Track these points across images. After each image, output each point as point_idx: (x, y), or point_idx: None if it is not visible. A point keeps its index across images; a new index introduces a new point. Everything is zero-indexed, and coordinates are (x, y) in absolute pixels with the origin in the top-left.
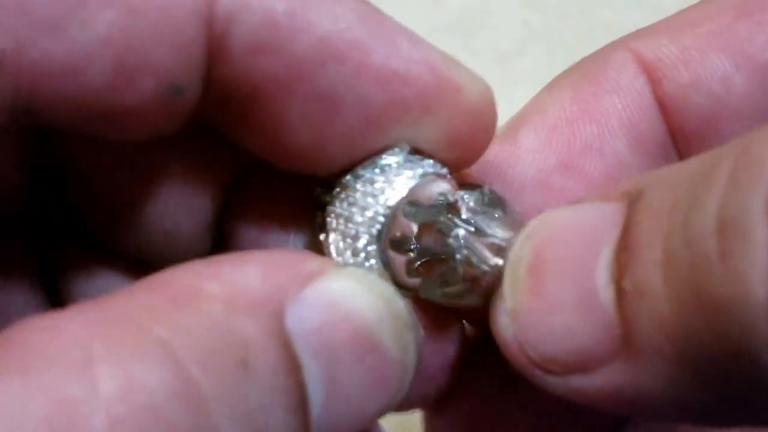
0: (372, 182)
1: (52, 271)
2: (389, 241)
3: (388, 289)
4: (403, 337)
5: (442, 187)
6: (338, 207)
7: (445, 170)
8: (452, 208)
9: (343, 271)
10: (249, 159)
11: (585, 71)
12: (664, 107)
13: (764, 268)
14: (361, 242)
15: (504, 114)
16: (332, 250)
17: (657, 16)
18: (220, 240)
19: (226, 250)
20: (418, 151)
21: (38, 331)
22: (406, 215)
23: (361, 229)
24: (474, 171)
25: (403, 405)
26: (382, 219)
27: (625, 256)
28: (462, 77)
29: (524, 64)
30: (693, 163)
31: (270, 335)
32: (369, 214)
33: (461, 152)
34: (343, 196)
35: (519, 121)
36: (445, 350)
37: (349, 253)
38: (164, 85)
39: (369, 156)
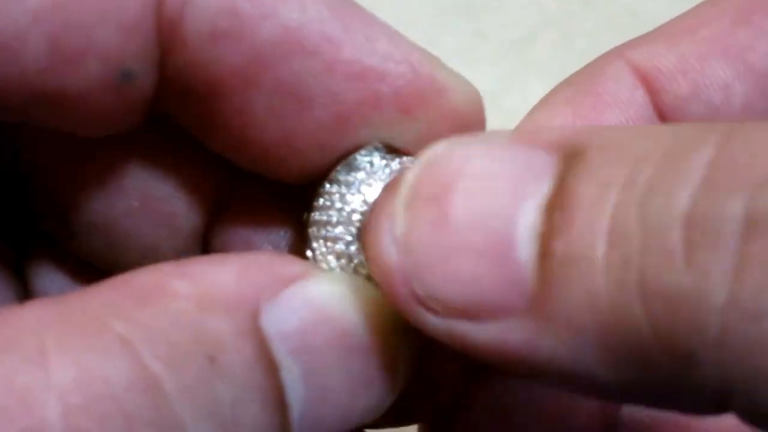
0: (348, 183)
1: (26, 276)
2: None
3: (374, 291)
4: (393, 340)
5: None
6: (317, 214)
7: None
8: None
9: (326, 275)
10: (233, 174)
11: (581, 85)
12: (663, 118)
13: (730, 276)
14: (341, 244)
15: (516, 106)
16: (318, 257)
17: (683, 4)
18: None
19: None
20: (393, 150)
21: None
22: None
23: (340, 230)
24: None
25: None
26: (359, 218)
27: (559, 216)
28: (447, 78)
29: (538, 52)
30: (660, 137)
31: (242, 334)
32: (346, 215)
33: None
34: (320, 202)
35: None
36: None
37: (331, 257)
38: (111, 69)
39: (343, 157)
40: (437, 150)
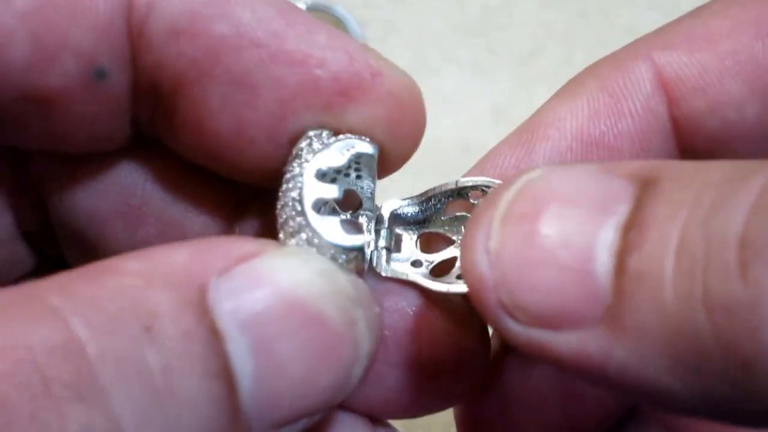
0: (291, 170)
1: None
2: (311, 207)
3: (327, 264)
4: (350, 311)
5: (345, 145)
6: (278, 203)
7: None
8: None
9: (279, 250)
10: (245, 192)
11: (603, 82)
12: (677, 127)
13: None
14: (292, 223)
15: (523, 115)
16: (282, 241)
17: (676, 17)
18: None
19: None
20: (337, 133)
21: None
22: (318, 177)
23: (288, 211)
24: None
25: (433, 405)
26: (296, 195)
27: (634, 234)
28: (381, 65)
29: (543, 65)
30: (721, 167)
31: (184, 306)
32: (292, 195)
33: (388, 139)
34: (279, 193)
35: (534, 132)
36: (465, 345)
37: (291, 240)
38: (86, 66)
39: (292, 146)
40: (532, 175)
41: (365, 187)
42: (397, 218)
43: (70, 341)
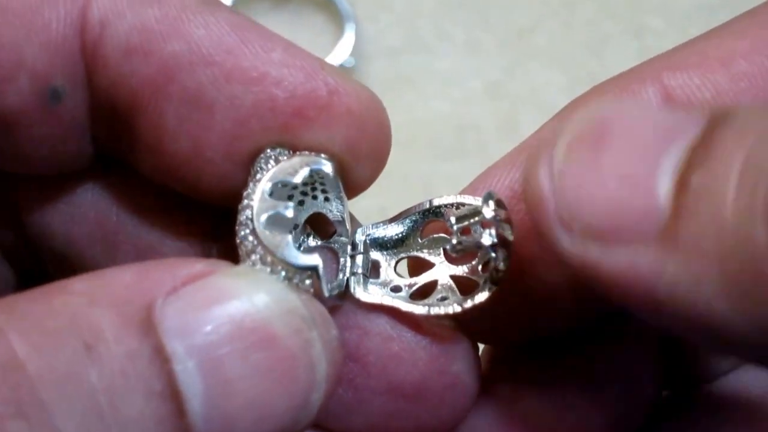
0: (247, 188)
1: None
2: (263, 225)
3: (279, 284)
4: (303, 332)
5: (295, 162)
6: (237, 224)
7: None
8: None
9: (229, 270)
10: (219, 214)
11: (609, 102)
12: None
13: None
14: (247, 242)
15: (521, 91)
16: (242, 260)
17: None
18: None
19: None
20: (296, 151)
21: None
22: (272, 195)
23: (243, 230)
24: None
25: (417, 430)
26: (249, 214)
27: (702, 153)
28: (339, 83)
29: (540, 40)
30: None
31: (128, 324)
32: (246, 213)
33: (348, 159)
34: (236, 217)
35: (535, 155)
36: (453, 370)
37: (248, 260)
38: (41, 86)
39: (249, 167)
40: (602, 103)
41: (335, 210)
42: (373, 242)
43: (10, 358)
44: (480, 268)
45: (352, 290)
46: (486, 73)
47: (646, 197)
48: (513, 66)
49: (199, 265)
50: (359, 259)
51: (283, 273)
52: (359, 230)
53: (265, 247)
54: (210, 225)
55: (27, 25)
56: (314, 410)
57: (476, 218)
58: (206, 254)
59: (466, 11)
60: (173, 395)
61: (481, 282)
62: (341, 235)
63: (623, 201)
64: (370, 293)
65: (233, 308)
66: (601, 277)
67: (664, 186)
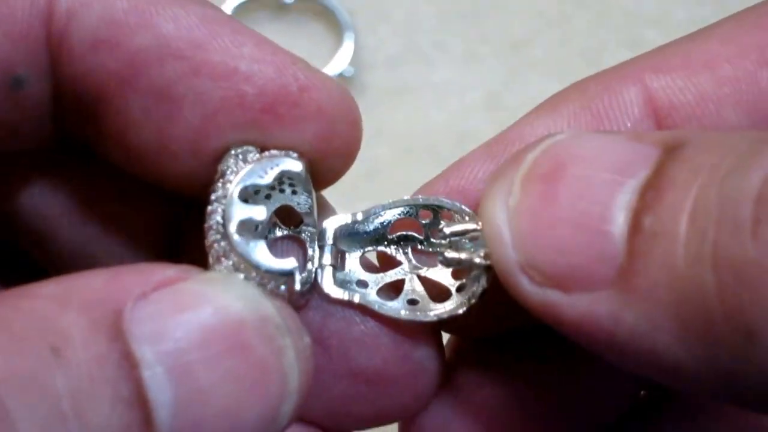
0: (215, 190)
1: None
2: (236, 230)
3: (252, 290)
4: (276, 340)
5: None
6: (206, 224)
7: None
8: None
9: (201, 276)
10: (185, 200)
11: (589, 102)
12: None
13: None
14: (217, 246)
15: (518, 103)
16: (211, 265)
17: (674, 3)
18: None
19: None
20: (264, 149)
21: None
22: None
23: (213, 235)
24: (449, 189)
25: (382, 417)
26: (220, 219)
27: (651, 194)
28: (311, 78)
29: (537, 51)
30: (742, 136)
31: (96, 329)
32: (217, 218)
33: (318, 155)
34: (204, 219)
35: (507, 145)
36: (415, 357)
37: (218, 265)
38: (2, 74)
39: (216, 163)
40: (559, 136)
41: (302, 203)
42: (341, 235)
43: None
44: (451, 273)
45: (320, 283)
46: (484, 84)
47: (601, 241)
48: (511, 77)
49: (171, 270)
50: (327, 250)
51: (257, 279)
52: (327, 221)
53: (238, 253)
54: (173, 215)
55: None
56: (284, 422)
57: (470, 234)
58: (167, 247)
59: (464, 22)
60: (141, 402)
61: (452, 289)
62: (309, 226)
63: (577, 245)
64: (338, 288)
65: (205, 314)
66: (561, 322)
67: (618, 228)
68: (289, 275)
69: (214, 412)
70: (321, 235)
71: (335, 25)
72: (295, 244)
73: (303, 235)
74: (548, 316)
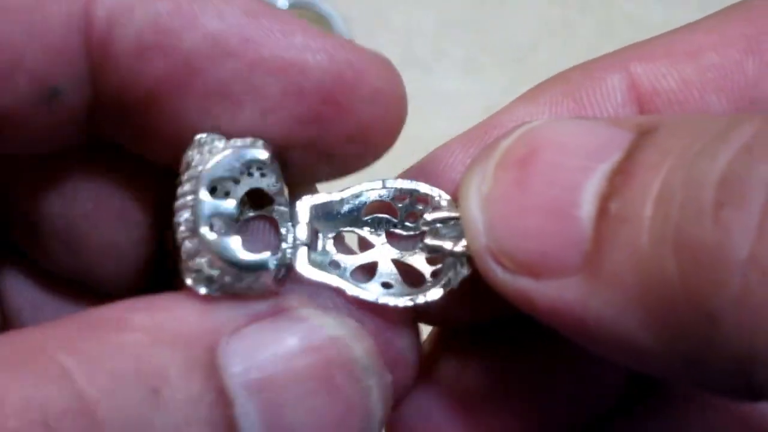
0: (182, 184)
1: None
2: (207, 226)
3: (342, 329)
4: (363, 380)
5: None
6: (173, 225)
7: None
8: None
9: (295, 313)
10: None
11: (571, 89)
12: None
13: (752, 233)
14: (189, 244)
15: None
16: (185, 277)
17: (680, 9)
18: (160, 250)
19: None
20: (229, 137)
21: None
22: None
23: (183, 232)
24: (427, 177)
25: None
26: (192, 213)
27: (620, 179)
28: (362, 61)
29: (539, 61)
30: (717, 118)
31: (192, 368)
32: (186, 215)
33: (373, 134)
34: (172, 213)
35: (487, 131)
36: (397, 345)
37: (190, 264)
38: (39, 87)
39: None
40: (533, 123)
41: (272, 184)
42: (316, 214)
43: (81, 403)
44: (426, 258)
45: (295, 264)
46: (484, 93)
47: (569, 227)
48: (512, 86)
49: (263, 305)
50: (300, 228)
51: (233, 275)
52: (302, 200)
53: (211, 251)
54: (161, 191)
55: (27, 25)
56: None
57: (452, 222)
58: (149, 213)
59: (464, 31)
60: None
61: (427, 275)
62: (280, 205)
63: (547, 232)
64: (313, 269)
65: (296, 352)
66: (534, 309)
67: (586, 213)
68: (265, 269)
69: None
70: (295, 214)
71: (331, 33)
72: (267, 224)
73: (274, 214)
74: (521, 303)
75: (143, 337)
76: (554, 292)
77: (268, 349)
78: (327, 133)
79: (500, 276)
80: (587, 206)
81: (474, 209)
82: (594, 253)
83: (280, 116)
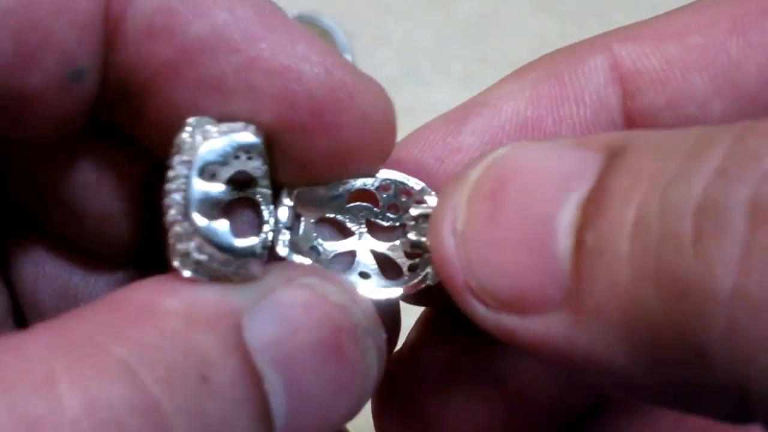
0: (173, 167)
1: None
2: (198, 210)
3: (345, 297)
4: (362, 342)
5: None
6: (161, 207)
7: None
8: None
9: (298, 282)
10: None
11: (554, 68)
12: (632, 122)
13: (735, 266)
14: (179, 228)
15: None
16: (172, 260)
17: None
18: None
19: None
20: (221, 119)
21: (1, 352)
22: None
23: (173, 215)
24: (408, 156)
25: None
26: (183, 197)
27: (593, 209)
28: (357, 83)
29: None
30: (686, 136)
31: (229, 349)
32: (176, 198)
33: (359, 157)
34: (162, 194)
35: (470, 110)
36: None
37: (178, 246)
38: (66, 66)
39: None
40: (500, 151)
41: (258, 167)
42: (298, 198)
43: (147, 399)
44: (404, 252)
45: (277, 247)
46: None
47: (547, 261)
48: None
49: (270, 278)
50: (282, 211)
51: (221, 260)
52: (285, 188)
53: (201, 235)
54: (154, 163)
55: (56, 3)
56: (358, 413)
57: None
58: (141, 181)
59: (463, 45)
60: (267, 416)
61: (404, 268)
62: (264, 187)
63: (526, 267)
64: (292, 252)
65: (313, 324)
66: (520, 345)
67: (563, 246)
68: (252, 254)
69: (313, 415)
70: (279, 197)
71: (333, 47)
72: (249, 206)
73: (258, 196)
74: (508, 340)
75: (178, 320)
76: (540, 328)
77: (287, 323)
78: (308, 145)
79: (484, 314)
80: (563, 239)
81: (449, 247)
82: (575, 287)
83: (267, 118)
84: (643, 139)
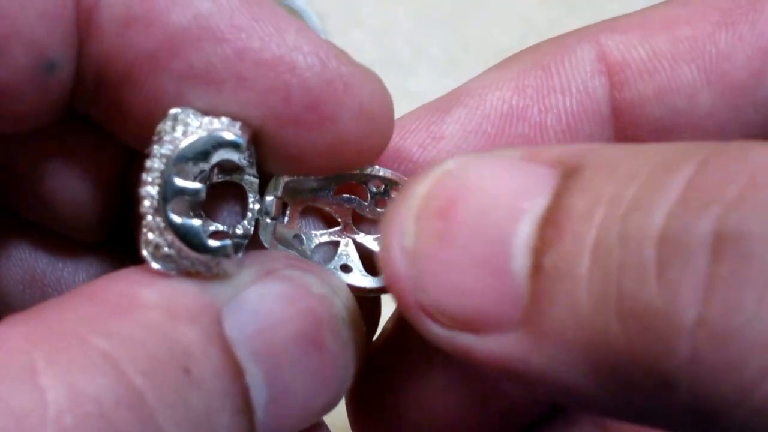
0: (151, 159)
1: None
2: (172, 207)
3: (325, 290)
4: (342, 334)
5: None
6: (137, 199)
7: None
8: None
9: (280, 273)
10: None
11: (540, 58)
12: (619, 113)
13: (699, 295)
14: (151, 219)
15: None
16: (142, 249)
17: None
18: (126, 204)
19: (133, 213)
20: (206, 113)
21: None
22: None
23: (147, 207)
24: (390, 143)
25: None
26: (158, 192)
27: (551, 232)
28: (352, 74)
29: None
30: (646, 157)
31: (210, 342)
32: (151, 191)
33: (356, 150)
34: (139, 185)
35: (455, 99)
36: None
37: (150, 236)
38: (36, 59)
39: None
40: (448, 165)
41: (243, 157)
42: (286, 186)
43: (132, 391)
44: None
45: (260, 235)
46: None
47: (503, 282)
48: None
49: (249, 270)
50: (268, 199)
51: (193, 258)
52: (273, 176)
53: (173, 232)
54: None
55: None
56: (337, 404)
57: None
58: (117, 169)
59: (444, 29)
60: (247, 408)
61: None
62: (250, 175)
63: (481, 287)
64: (276, 242)
65: (293, 316)
66: (475, 363)
67: (520, 267)
68: (223, 255)
69: (293, 406)
70: (267, 184)
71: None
72: (234, 192)
73: (243, 183)
74: (463, 358)
75: (159, 313)
76: (496, 347)
77: (267, 315)
78: (302, 139)
79: (437, 332)
80: (519, 259)
81: (399, 265)
82: (533, 309)
83: (259, 111)
84: (599, 156)
